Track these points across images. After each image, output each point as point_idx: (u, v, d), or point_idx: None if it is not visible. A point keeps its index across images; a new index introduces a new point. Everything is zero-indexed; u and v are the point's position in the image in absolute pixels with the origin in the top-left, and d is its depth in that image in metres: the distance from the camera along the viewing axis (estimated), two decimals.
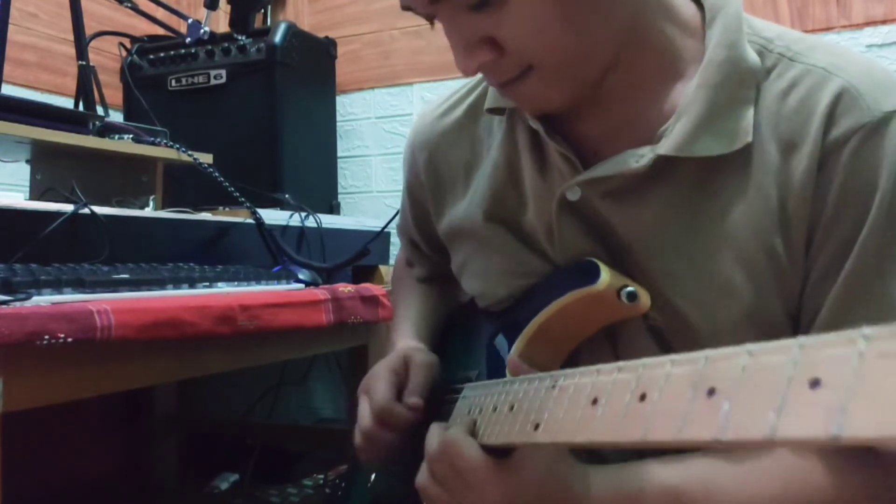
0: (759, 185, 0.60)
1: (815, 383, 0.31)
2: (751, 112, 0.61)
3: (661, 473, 0.60)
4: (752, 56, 0.62)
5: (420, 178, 0.84)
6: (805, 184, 0.59)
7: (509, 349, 0.72)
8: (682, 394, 0.38)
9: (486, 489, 0.59)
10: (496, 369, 0.75)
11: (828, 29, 1.70)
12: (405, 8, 0.62)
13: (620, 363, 0.46)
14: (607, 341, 0.68)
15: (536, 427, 0.52)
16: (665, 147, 0.61)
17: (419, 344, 0.86)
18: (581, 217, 0.67)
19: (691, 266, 0.62)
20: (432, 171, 0.82)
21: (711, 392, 0.36)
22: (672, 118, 0.62)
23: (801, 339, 0.33)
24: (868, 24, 1.67)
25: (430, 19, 0.63)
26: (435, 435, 0.64)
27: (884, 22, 1.65)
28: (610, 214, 0.65)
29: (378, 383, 0.78)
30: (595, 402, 0.46)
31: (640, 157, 0.62)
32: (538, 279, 0.71)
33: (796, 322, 0.62)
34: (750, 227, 0.61)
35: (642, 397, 0.41)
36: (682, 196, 0.63)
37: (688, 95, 0.62)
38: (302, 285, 1.31)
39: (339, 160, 2.17)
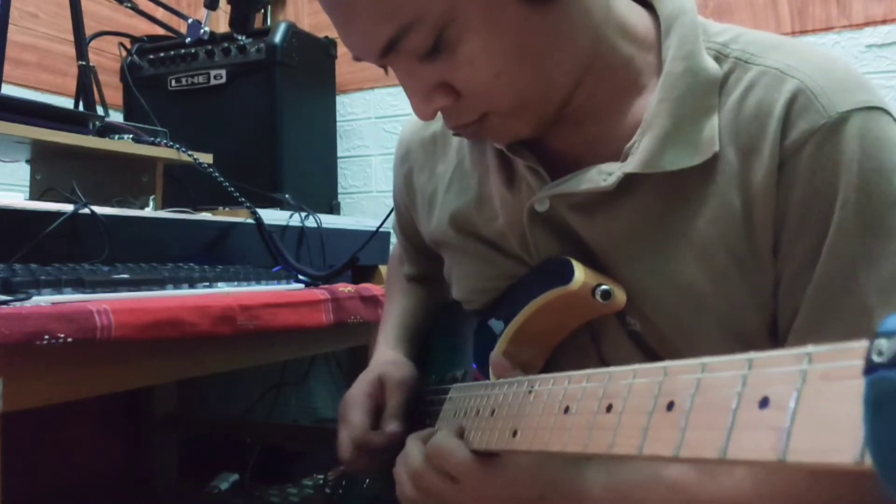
0: (723, 194, 0.60)
1: (763, 402, 0.31)
2: (715, 121, 0.60)
3: (657, 463, 0.59)
4: (711, 64, 0.61)
5: (402, 189, 0.86)
6: (767, 189, 0.58)
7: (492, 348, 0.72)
8: (643, 406, 0.39)
9: (481, 491, 0.59)
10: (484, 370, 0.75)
11: (828, 29, 1.70)
12: (356, 59, 0.62)
13: (590, 371, 0.47)
14: (592, 344, 0.68)
15: (514, 434, 0.53)
16: (632, 165, 0.60)
17: (398, 354, 0.87)
18: (552, 227, 0.67)
19: (661, 279, 0.62)
20: (412, 182, 0.83)
21: (671, 406, 0.37)
22: (637, 133, 0.61)
23: (752, 354, 0.34)
24: (868, 24, 1.67)
25: (383, 67, 0.63)
26: (416, 447, 0.64)
27: (884, 22, 1.65)
28: (579, 227, 0.65)
29: (354, 412, 0.80)
30: (567, 410, 0.47)
31: (608, 176, 0.62)
32: (514, 281, 0.72)
33: (775, 329, 0.62)
34: (717, 238, 0.60)
35: (609, 408, 0.42)
36: (650, 210, 0.62)
37: (651, 110, 0.61)
38: (302, 285, 1.31)
39: (339, 160, 2.17)
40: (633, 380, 0.41)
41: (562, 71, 0.60)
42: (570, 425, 0.46)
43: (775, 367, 0.32)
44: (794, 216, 0.58)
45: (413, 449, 0.65)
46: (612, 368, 0.44)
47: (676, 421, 0.36)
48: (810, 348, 0.30)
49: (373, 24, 0.56)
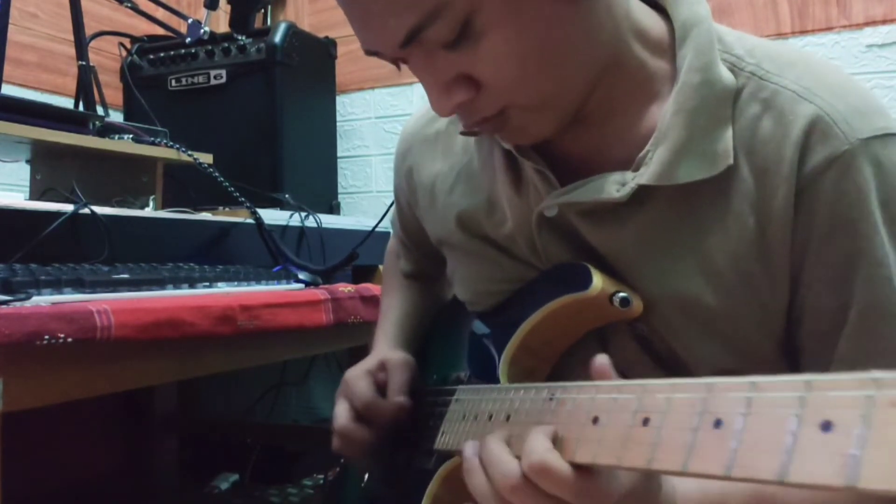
0: (737, 212, 0.60)
1: (826, 426, 0.31)
2: (729, 132, 0.60)
3: None
4: (727, 75, 0.61)
5: (403, 186, 0.85)
6: (783, 213, 0.58)
7: (497, 352, 0.71)
8: (685, 422, 0.38)
9: None
10: (484, 369, 0.75)
11: (828, 29, 1.70)
12: (370, 53, 0.60)
13: (619, 382, 0.46)
14: (598, 346, 0.67)
15: None
16: (646, 176, 0.60)
17: (397, 350, 0.86)
18: (561, 232, 0.67)
19: (666, 290, 0.62)
20: (413, 179, 0.83)
21: (718, 423, 0.36)
22: (650, 143, 0.61)
23: (808, 377, 0.33)
24: (868, 24, 1.67)
25: (396, 63, 0.61)
26: (507, 460, 0.52)
27: (884, 22, 1.65)
28: (588, 234, 0.65)
29: (358, 384, 0.79)
30: (596, 420, 0.46)
31: (621, 187, 0.61)
32: (524, 284, 0.71)
33: (786, 352, 0.62)
34: (726, 254, 0.60)
35: (645, 421, 0.41)
36: (661, 222, 0.62)
37: (665, 120, 0.60)
38: (302, 285, 1.31)
39: (339, 160, 2.17)
40: (673, 394, 0.40)
41: (583, 67, 0.60)
42: (600, 437, 0.45)
43: (836, 390, 0.31)
44: (818, 243, 0.58)
45: (506, 462, 0.52)
46: (645, 381, 0.43)
47: (726, 439, 0.36)
48: (876, 374, 0.30)
49: (395, 11, 0.55)
